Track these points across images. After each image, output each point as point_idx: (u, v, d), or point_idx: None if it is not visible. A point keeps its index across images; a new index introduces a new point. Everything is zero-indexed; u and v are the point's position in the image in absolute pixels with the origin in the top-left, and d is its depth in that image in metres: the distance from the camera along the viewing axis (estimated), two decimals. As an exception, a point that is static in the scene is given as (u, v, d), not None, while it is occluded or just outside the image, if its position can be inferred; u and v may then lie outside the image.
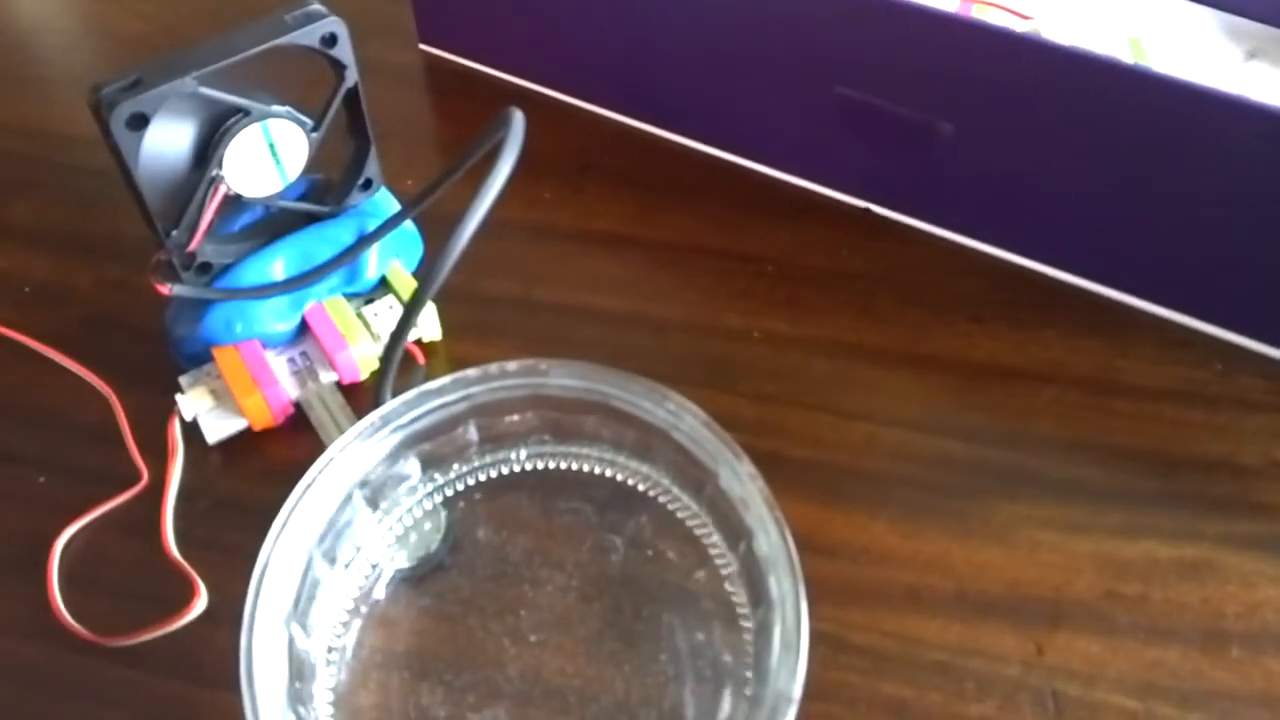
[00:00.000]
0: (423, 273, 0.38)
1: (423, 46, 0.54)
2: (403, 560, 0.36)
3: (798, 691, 0.27)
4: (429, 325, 0.41)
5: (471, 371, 0.34)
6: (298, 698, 0.30)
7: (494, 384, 0.34)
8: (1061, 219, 0.43)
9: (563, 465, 0.37)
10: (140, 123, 0.34)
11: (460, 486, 0.37)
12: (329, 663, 0.33)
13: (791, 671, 0.27)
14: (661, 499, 0.36)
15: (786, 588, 0.28)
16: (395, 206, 0.43)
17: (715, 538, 0.34)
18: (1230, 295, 0.41)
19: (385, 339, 0.40)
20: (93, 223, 0.47)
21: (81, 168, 0.49)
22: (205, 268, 0.39)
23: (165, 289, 0.38)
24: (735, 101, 0.47)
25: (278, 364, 0.40)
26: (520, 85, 0.52)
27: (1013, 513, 0.37)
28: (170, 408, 0.39)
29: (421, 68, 0.53)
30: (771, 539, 0.29)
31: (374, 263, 0.41)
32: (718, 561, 0.34)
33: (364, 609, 0.35)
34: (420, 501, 0.36)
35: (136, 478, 0.38)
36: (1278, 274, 0.40)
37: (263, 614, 0.29)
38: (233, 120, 0.36)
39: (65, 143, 0.50)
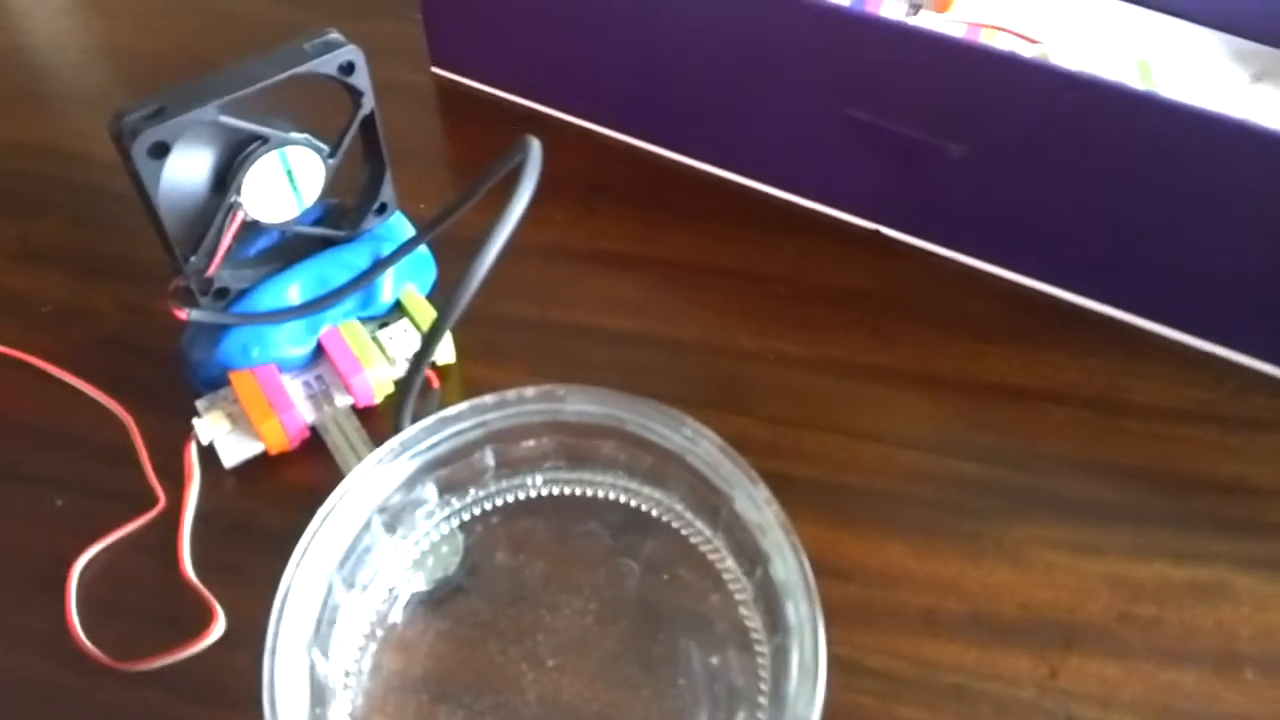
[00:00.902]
0: (441, 302, 0.39)
1: (435, 70, 0.54)
2: (420, 583, 0.36)
3: (816, 717, 0.27)
4: (444, 349, 0.42)
5: (489, 398, 0.34)
6: (318, 723, 0.30)
7: (511, 410, 0.34)
8: (1070, 240, 0.43)
9: (578, 491, 0.37)
10: (162, 151, 0.34)
11: (477, 511, 0.37)
12: (346, 687, 0.33)
13: (810, 698, 0.27)
14: (675, 524, 0.36)
15: (804, 614, 0.29)
16: (409, 231, 0.43)
17: (729, 562, 0.34)
18: (1242, 317, 0.42)
19: (400, 362, 0.41)
20: (109, 245, 0.47)
21: (97, 189, 0.49)
22: (222, 293, 0.39)
23: (183, 314, 0.39)
24: (745, 123, 0.47)
25: (293, 388, 0.40)
26: (531, 108, 0.53)
27: (1025, 534, 0.38)
28: (187, 431, 0.40)
29: (433, 91, 0.54)
30: (789, 564, 0.30)
31: (389, 287, 0.42)
32: (731, 586, 0.34)
33: (380, 633, 0.35)
34: (438, 525, 0.36)
35: (153, 501, 0.39)
36: (1287, 295, 0.40)
37: (284, 641, 0.29)
38: (251, 148, 0.36)
39: (81, 163, 0.51)
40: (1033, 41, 0.48)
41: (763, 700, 0.31)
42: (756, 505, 0.31)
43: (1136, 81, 0.46)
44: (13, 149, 0.52)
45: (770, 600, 0.31)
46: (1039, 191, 0.42)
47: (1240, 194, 0.38)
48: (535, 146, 0.37)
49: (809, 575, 0.29)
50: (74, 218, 0.49)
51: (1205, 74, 0.47)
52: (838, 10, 0.42)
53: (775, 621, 0.31)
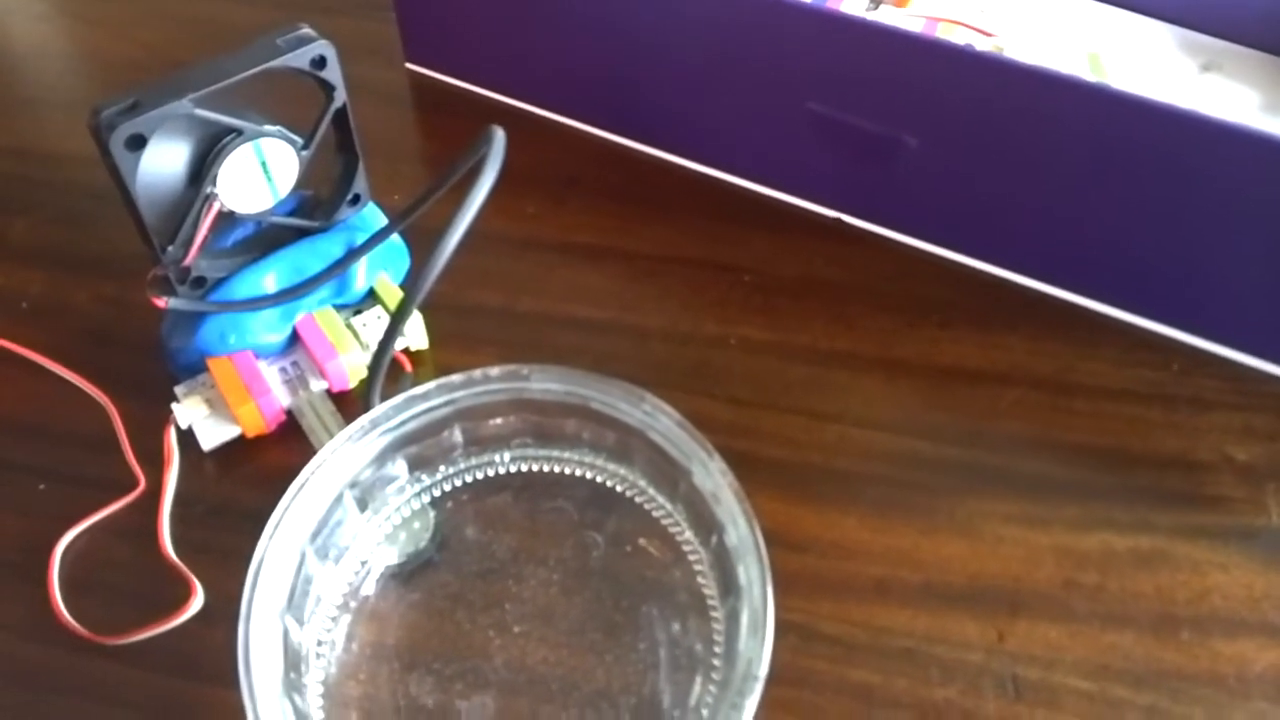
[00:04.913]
0: (409, 284, 0.40)
1: (409, 65, 0.55)
2: (392, 557, 0.37)
3: (764, 671, 0.28)
4: (416, 334, 0.43)
5: (456, 377, 0.35)
6: (293, 687, 0.31)
7: (477, 389, 0.35)
8: (1024, 227, 0.44)
9: (546, 468, 0.38)
10: (138, 143, 0.36)
11: (447, 487, 0.38)
12: (319, 655, 0.34)
13: (758, 653, 0.29)
14: (638, 499, 0.37)
15: (754, 574, 0.30)
16: (383, 221, 0.44)
17: (688, 534, 0.36)
18: (1187, 298, 0.43)
19: (374, 348, 0.42)
20: (88, 240, 0.48)
21: (77, 187, 0.50)
22: (200, 281, 0.41)
23: (161, 302, 0.40)
24: (712, 117, 0.49)
25: (270, 373, 0.41)
26: (504, 103, 0.54)
27: (977, 508, 0.39)
28: (166, 417, 0.41)
29: (407, 86, 0.55)
30: (740, 530, 0.31)
31: (362, 275, 0.43)
32: (690, 557, 0.36)
33: (353, 604, 0.36)
34: (408, 501, 0.38)
35: (134, 484, 0.40)
36: (1232, 277, 0.42)
37: (259, 607, 0.31)
38: (226, 140, 0.38)
39: (61, 163, 0.52)
40: (988, 35, 0.49)
41: (717, 662, 0.33)
42: (711, 476, 0.33)
43: (1087, 73, 0.48)
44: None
45: (724, 566, 0.32)
46: (994, 180, 0.44)
47: (1188, 181, 0.40)
48: (499, 137, 0.38)
49: (759, 538, 0.30)
50: (52, 215, 0.50)
51: (1155, 65, 0.49)
52: (801, 6, 0.43)
53: (728, 586, 0.32)
